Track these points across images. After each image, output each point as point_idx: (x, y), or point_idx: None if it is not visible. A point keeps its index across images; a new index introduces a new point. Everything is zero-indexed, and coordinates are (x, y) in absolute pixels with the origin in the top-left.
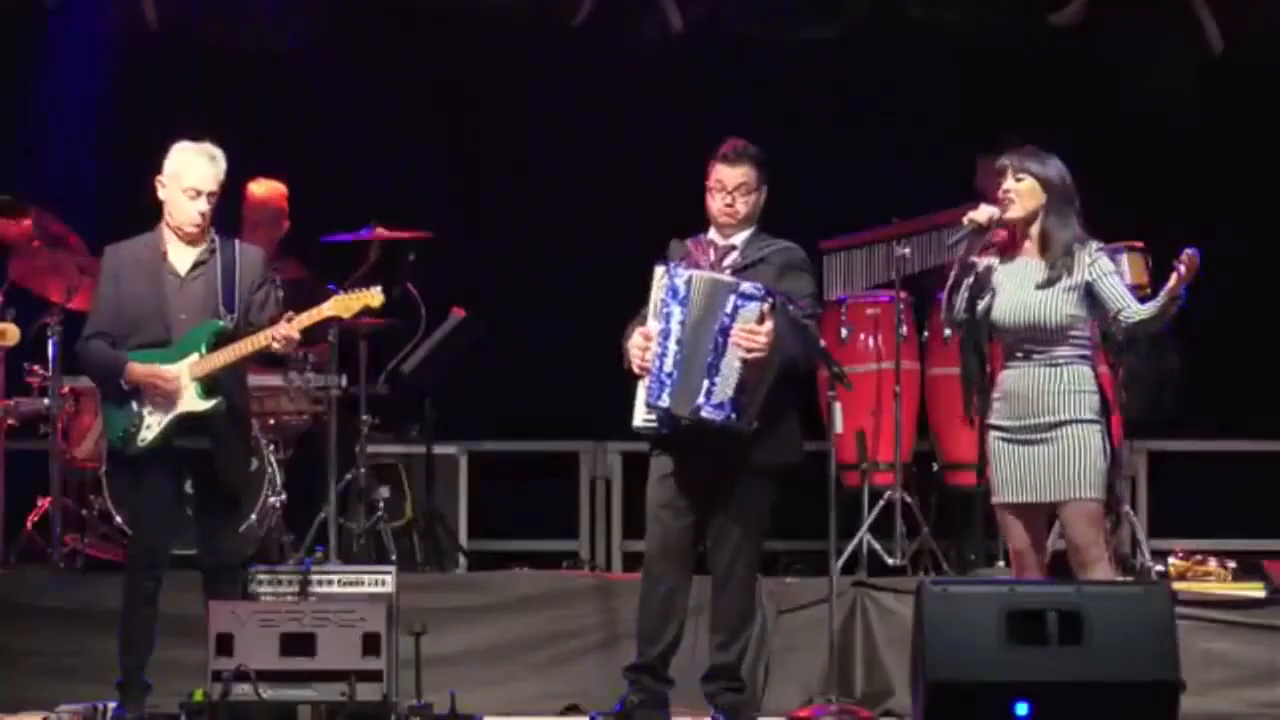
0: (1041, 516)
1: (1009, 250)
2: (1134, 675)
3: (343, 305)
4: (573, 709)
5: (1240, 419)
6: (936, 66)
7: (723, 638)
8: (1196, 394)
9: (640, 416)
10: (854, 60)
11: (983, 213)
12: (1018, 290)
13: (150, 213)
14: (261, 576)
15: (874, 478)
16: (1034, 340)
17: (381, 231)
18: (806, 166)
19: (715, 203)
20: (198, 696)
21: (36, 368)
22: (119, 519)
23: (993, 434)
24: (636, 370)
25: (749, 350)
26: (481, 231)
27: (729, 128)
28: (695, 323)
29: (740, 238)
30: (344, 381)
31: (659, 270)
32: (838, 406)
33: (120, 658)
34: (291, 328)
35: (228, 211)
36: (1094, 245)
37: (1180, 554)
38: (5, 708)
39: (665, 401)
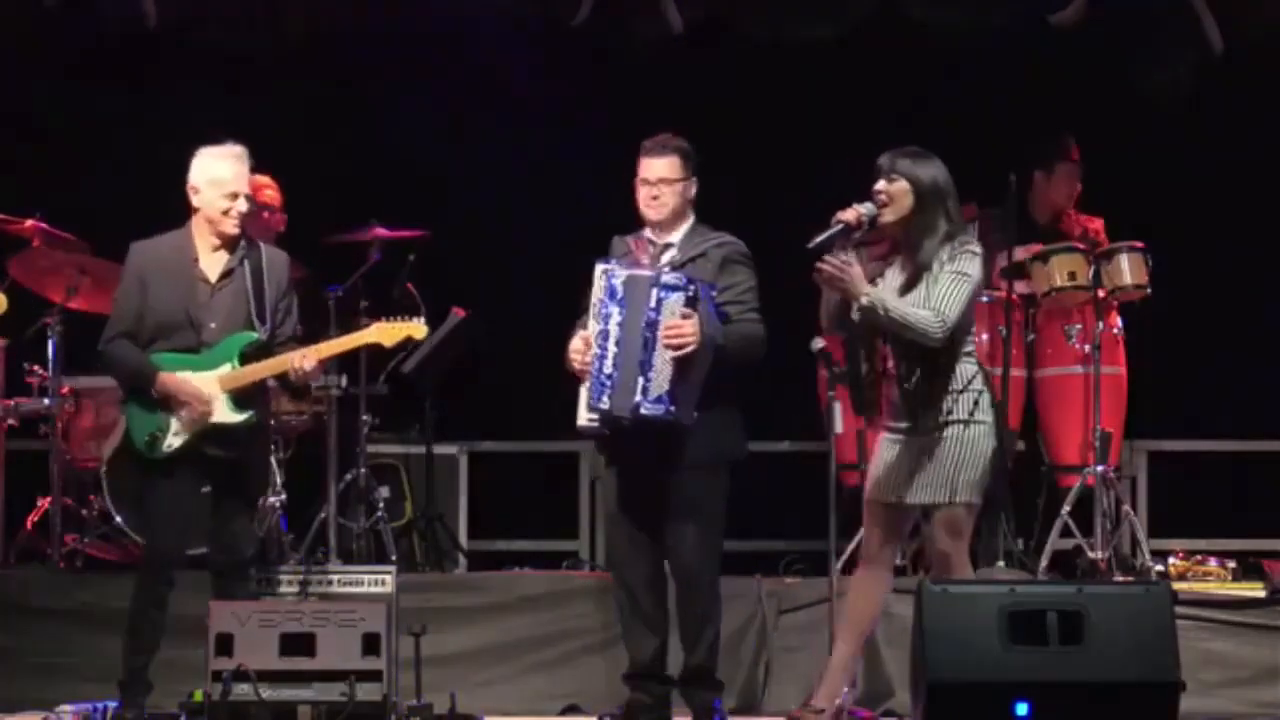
0: (907, 518)
1: (890, 255)
2: (1134, 675)
3: (387, 334)
4: (573, 709)
5: (1240, 419)
6: (936, 66)
7: (690, 640)
8: (1197, 394)
9: (584, 417)
10: (854, 60)
11: (851, 212)
12: (885, 295)
13: (148, 212)
14: (261, 576)
15: None
16: (895, 344)
17: (381, 231)
18: (807, 166)
19: (641, 196)
20: (198, 696)
21: (36, 368)
22: (119, 519)
23: (882, 434)
24: (576, 371)
25: (678, 347)
26: (481, 231)
27: (729, 127)
28: (629, 322)
29: (678, 234)
30: (344, 381)
31: (598, 269)
32: (838, 406)
33: (125, 657)
34: (310, 361)
35: None
36: (964, 242)
37: (1180, 554)
38: (5, 708)
39: (605, 404)
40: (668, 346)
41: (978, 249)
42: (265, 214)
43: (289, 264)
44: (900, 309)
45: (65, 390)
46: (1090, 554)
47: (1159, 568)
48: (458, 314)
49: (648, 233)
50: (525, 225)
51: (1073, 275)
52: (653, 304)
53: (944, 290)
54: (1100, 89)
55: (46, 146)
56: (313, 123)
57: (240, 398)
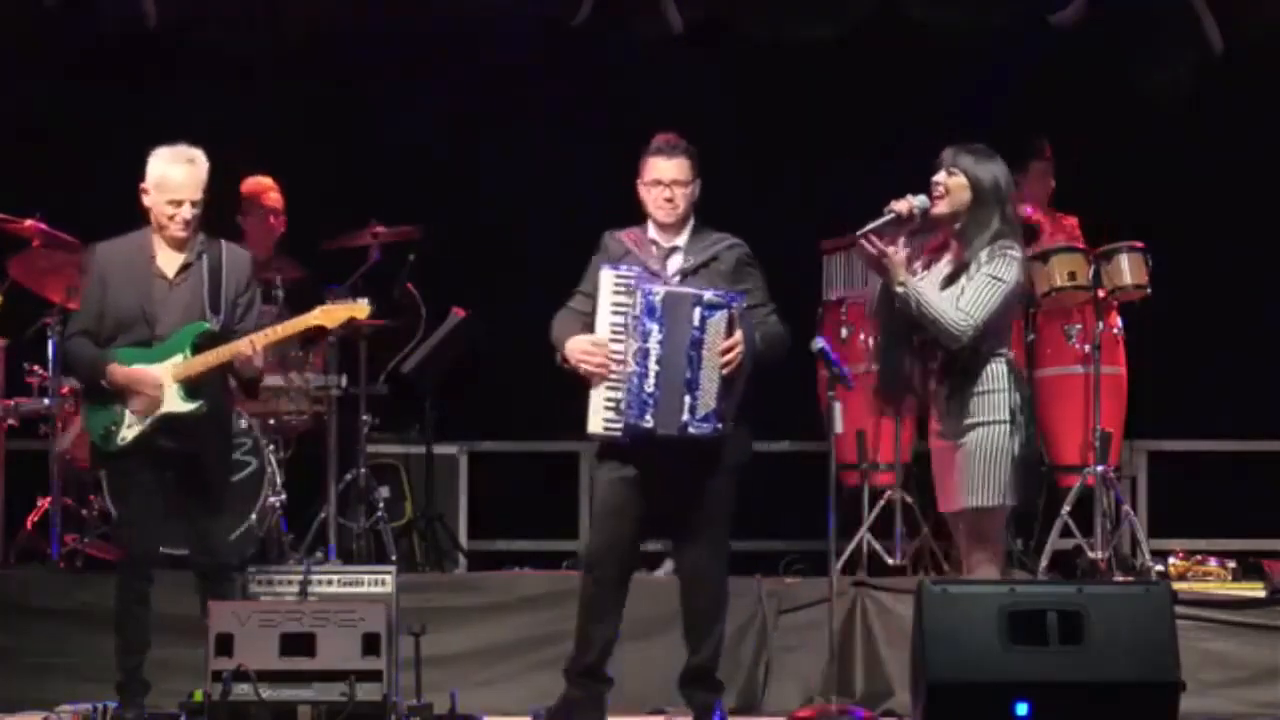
0: (959, 521)
1: (941, 251)
2: (1134, 675)
3: (329, 316)
4: None
5: (1240, 419)
6: (936, 66)
7: (697, 639)
8: (1197, 394)
9: (600, 423)
10: (854, 60)
11: (903, 203)
12: (928, 289)
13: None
14: (261, 576)
15: (874, 478)
16: (936, 339)
17: (381, 231)
18: (807, 166)
19: (653, 198)
20: (198, 696)
21: (36, 368)
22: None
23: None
24: (586, 372)
25: (726, 364)
26: (481, 231)
27: (729, 127)
28: (671, 340)
29: (683, 236)
30: (344, 381)
31: (611, 274)
32: (838, 406)
33: (118, 658)
34: (252, 348)
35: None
36: (1004, 245)
37: (1180, 554)
38: (5, 708)
39: (649, 422)
40: (723, 367)
41: (1017, 252)
42: (273, 218)
43: (251, 261)
44: (932, 304)
45: (65, 390)
46: (1090, 554)
47: (1159, 568)
48: (458, 314)
49: (651, 233)
50: (525, 225)
51: (1073, 275)
52: (696, 323)
53: (975, 293)
54: (1100, 89)
55: (46, 146)
56: (313, 123)
57: (191, 387)
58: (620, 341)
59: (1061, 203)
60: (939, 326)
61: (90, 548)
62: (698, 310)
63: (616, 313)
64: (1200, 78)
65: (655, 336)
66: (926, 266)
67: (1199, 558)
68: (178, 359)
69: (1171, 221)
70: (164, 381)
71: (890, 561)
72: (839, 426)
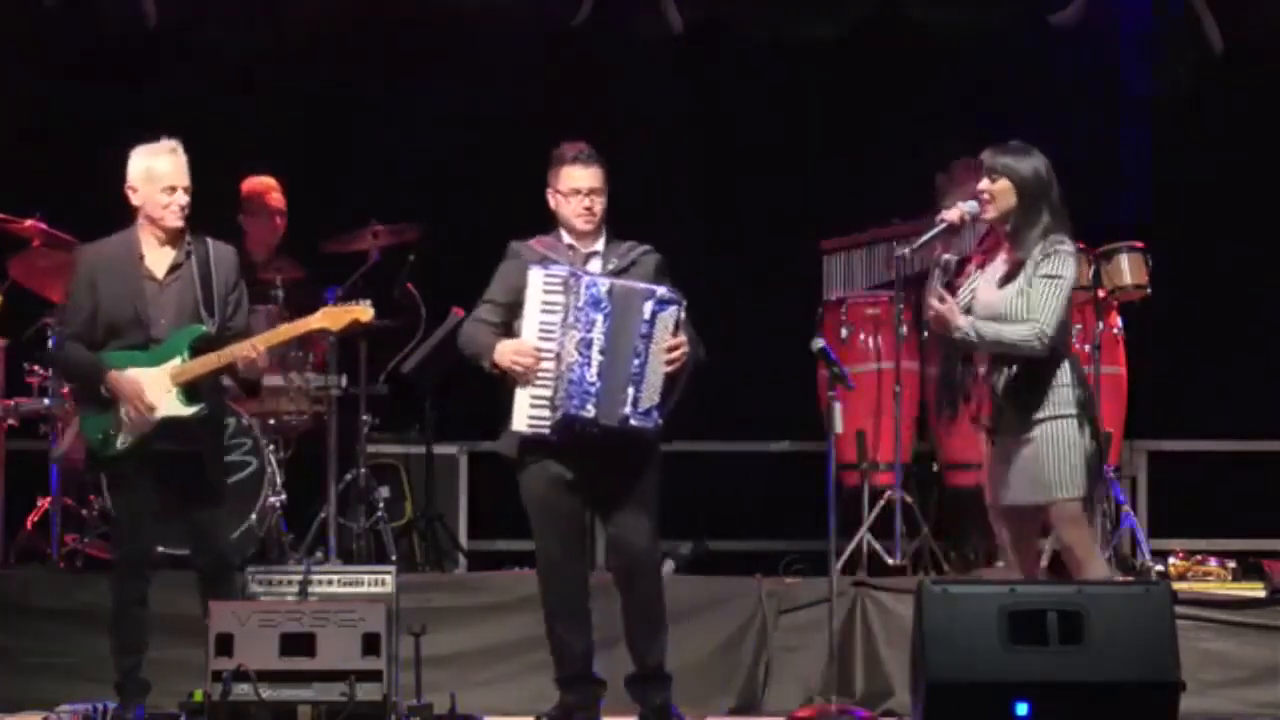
0: (1028, 517)
1: (994, 251)
2: (1134, 675)
3: (331, 318)
4: None
5: (1240, 419)
6: (936, 66)
7: (647, 637)
8: (1197, 394)
9: (526, 420)
10: (854, 60)
11: (954, 212)
12: (985, 289)
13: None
14: (261, 576)
15: (874, 478)
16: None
17: (381, 231)
18: (807, 166)
19: (572, 207)
20: (198, 696)
21: (36, 368)
22: None
23: (983, 435)
24: (518, 374)
25: (672, 362)
26: (481, 231)
27: (729, 128)
28: (617, 332)
29: (599, 243)
30: (344, 381)
31: (540, 273)
32: (838, 406)
33: (116, 659)
34: (255, 350)
35: (227, 209)
36: (1054, 241)
37: (1180, 554)
38: (5, 708)
39: (590, 411)
40: (667, 364)
41: (1069, 246)
42: (278, 218)
43: (236, 257)
44: (995, 334)
45: (65, 390)
46: None
47: (1159, 568)
48: (458, 314)
49: (567, 239)
50: (525, 225)
51: None
52: (647, 316)
53: (1039, 299)
54: (1100, 89)
55: (46, 146)
56: (313, 123)
57: (190, 391)
58: (550, 340)
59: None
60: (1016, 350)
61: (90, 548)
62: (649, 304)
63: (548, 311)
64: (1200, 78)
65: (600, 327)
66: (981, 266)
67: (1199, 558)
68: (176, 362)
69: (1171, 221)
70: (165, 386)
71: (890, 561)
72: (839, 426)
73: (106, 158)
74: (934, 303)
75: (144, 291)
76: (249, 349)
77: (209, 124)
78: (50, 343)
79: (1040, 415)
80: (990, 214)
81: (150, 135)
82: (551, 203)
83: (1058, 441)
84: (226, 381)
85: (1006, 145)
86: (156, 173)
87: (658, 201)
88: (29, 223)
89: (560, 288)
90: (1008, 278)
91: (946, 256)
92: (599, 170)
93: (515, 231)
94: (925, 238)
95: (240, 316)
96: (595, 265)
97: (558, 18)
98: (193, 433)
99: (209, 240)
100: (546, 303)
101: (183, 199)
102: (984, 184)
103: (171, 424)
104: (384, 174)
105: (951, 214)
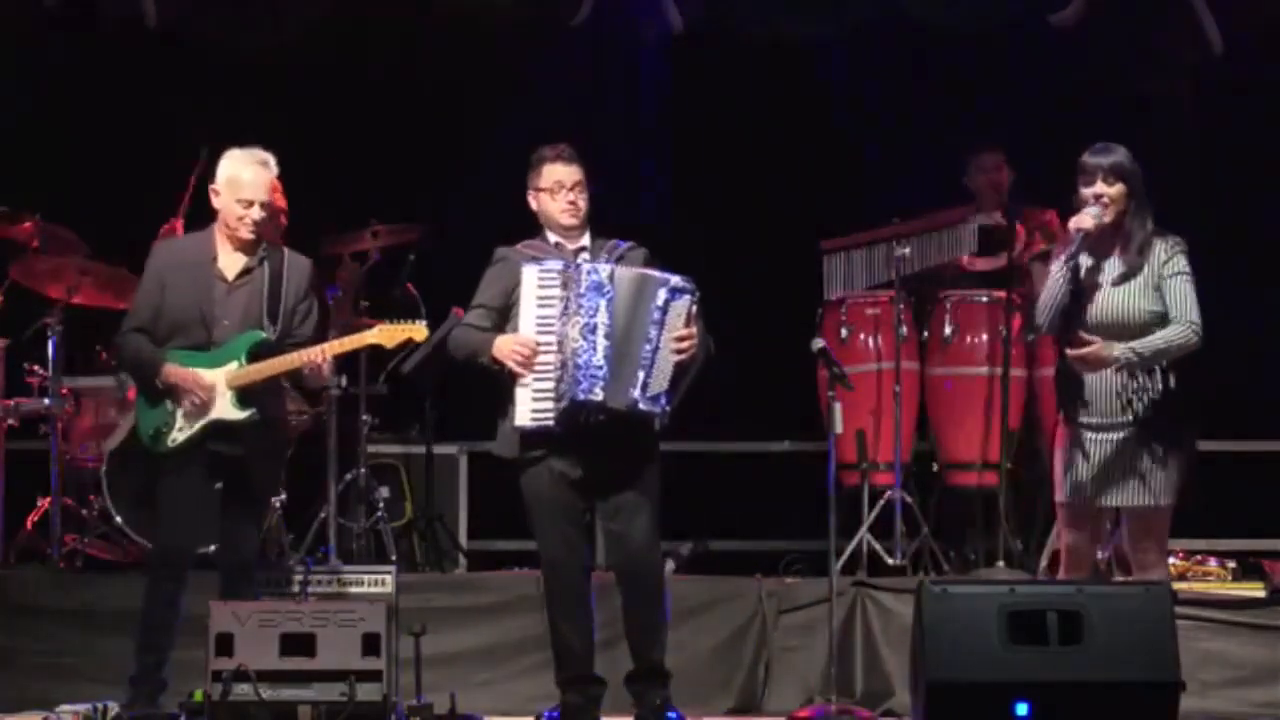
0: (1103, 518)
1: (1099, 242)
2: (1134, 675)
3: (387, 335)
4: None
5: (1240, 419)
6: (936, 66)
7: (648, 635)
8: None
9: (529, 415)
10: (854, 60)
11: (1090, 221)
12: (1099, 290)
13: (148, 213)
14: (261, 576)
15: (874, 478)
16: (1119, 339)
17: (381, 231)
18: (807, 166)
19: (556, 203)
20: (198, 696)
21: (36, 368)
22: (119, 519)
23: (1083, 433)
24: (514, 368)
25: (685, 351)
26: (481, 231)
27: (729, 127)
28: (625, 316)
29: (585, 239)
30: (344, 381)
31: (535, 270)
32: (838, 406)
33: (137, 655)
34: (323, 357)
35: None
36: (1173, 241)
37: (1180, 554)
38: (5, 708)
39: (598, 395)
40: (677, 352)
41: (1182, 243)
42: (280, 217)
43: (311, 270)
44: (1153, 347)
45: (65, 390)
46: None
47: None
48: (458, 314)
49: (553, 239)
50: (526, 225)
51: None
52: (659, 303)
53: (1179, 297)
54: (1100, 89)
55: (46, 146)
56: (313, 123)
57: (244, 395)
58: (549, 334)
59: (1060, 202)
60: (1181, 352)
61: (90, 548)
62: (663, 291)
63: (545, 305)
64: (1200, 78)
65: (603, 312)
66: (1091, 254)
67: (1199, 558)
68: (232, 366)
69: (1171, 222)
70: (219, 388)
71: (890, 561)
72: (839, 426)
73: (107, 158)
74: (1077, 352)
75: (212, 292)
76: (317, 354)
77: (209, 124)
78: (51, 342)
79: (1143, 416)
80: (1109, 217)
81: (174, 137)
82: (534, 204)
83: (1155, 446)
84: (284, 383)
85: (1105, 149)
86: (238, 182)
87: (657, 201)
88: (28, 223)
89: (557, 282)
90: (1126, 276)
91: (1087, 226)
92: (578, 167)
93: (515, 231)
94: (1072, 248)
95: (308, 326)
96: (585, 259)
97: (558, 17)
98: (244, 436)
99: (285, 250)
100: (543, 298)
101: (257, 214)
102: (1100, 187)
103: (224, 427)
104: (384, 174)
105: (1086, 223)
